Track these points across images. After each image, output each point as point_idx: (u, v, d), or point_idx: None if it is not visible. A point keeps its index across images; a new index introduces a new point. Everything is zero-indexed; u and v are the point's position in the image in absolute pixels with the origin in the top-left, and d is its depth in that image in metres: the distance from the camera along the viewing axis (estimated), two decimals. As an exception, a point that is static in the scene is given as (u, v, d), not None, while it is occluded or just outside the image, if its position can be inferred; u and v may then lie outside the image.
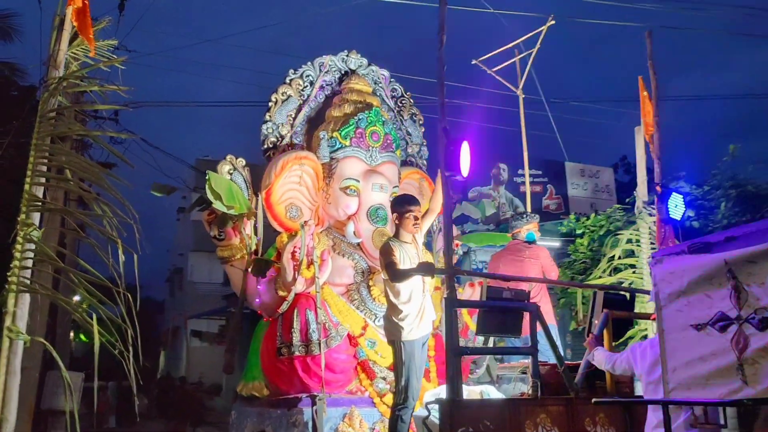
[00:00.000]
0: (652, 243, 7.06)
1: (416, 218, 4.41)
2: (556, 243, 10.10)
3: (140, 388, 3.74)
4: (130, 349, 3.47)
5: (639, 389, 4.66)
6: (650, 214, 7.13)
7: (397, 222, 4.52)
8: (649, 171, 7.39)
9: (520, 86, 9.11)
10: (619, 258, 7.45)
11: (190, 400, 15.90)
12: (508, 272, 5.04)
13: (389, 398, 5.32)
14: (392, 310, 4.33)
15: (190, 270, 26.29)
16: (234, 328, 5.80)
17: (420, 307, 4.35)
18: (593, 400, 3.28)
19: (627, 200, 9.44)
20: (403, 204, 4.53)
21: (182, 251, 27.53)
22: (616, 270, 7.47)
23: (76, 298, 4.43)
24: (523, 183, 12.12)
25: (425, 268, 4.17)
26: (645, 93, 6.81)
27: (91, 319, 3.59)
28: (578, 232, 9.57)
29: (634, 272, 7.15)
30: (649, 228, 7.17)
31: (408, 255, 4.37)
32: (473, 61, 8.96)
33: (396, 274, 4.15)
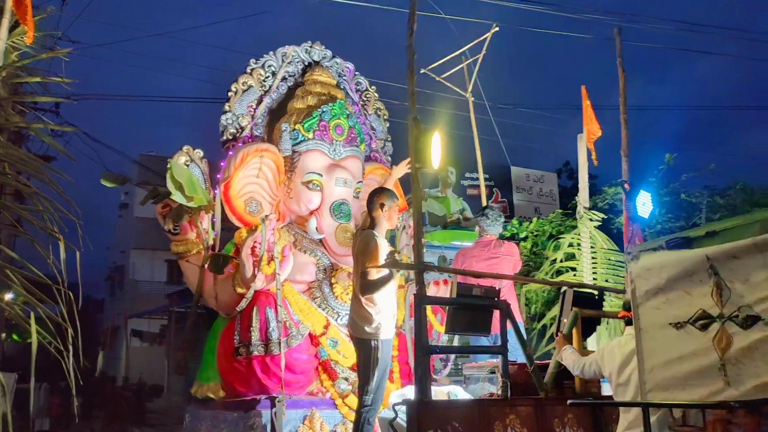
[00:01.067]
0: (592, 247, 7.25)
1: (399, 211, 4.24)
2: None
3: (77, 389, 3.54)
4: (70, 348, 3.26)
5: (607, 389, 4.57)
6: (591, 219, 7.41)
7: (374, 215, 4.26)
8: (591, 177, 7.65)
9: (469, 90, 9.16)
10: (561, 261, 7.60)
11: (124, 401, 15.36)
12: (483, 269, 4.88)
13: (351, 399, 5.12)
14: (367, 307, 4.08)
15: (131, 268, 25.60)
16: (189, 326, 5.50)
17: (393, 305, 4.17)
18: (569, 401, 3.14)
19: (569, 205, 9.63)
20: (391, 196, 4.30)
21: (124, 249, 26.76)
22: (558, 273, 7.65)
23: (9, 296, 4.12)
24: (470, 186, 12.30)
25: (394, 263, 3.98)
26: (588, 102, 6.96)
27: (28, 317, 3.33)
28: (522, 235, 9.70)
29: (574, 275, 7.27)
30: (590, 232, 7.38)
31: (386, 251, 4.18)
32: (422, 70, 8.93)
33: (374, 284, 3.98)
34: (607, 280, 7.17)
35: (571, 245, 7.70)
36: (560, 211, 10.40)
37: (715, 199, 10.50)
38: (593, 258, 7.49)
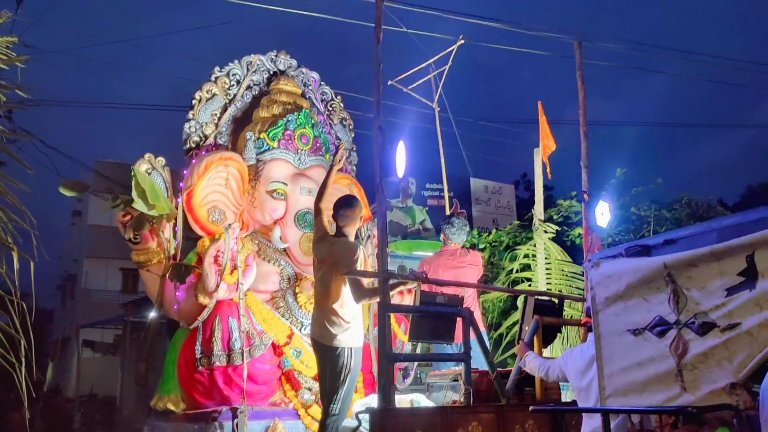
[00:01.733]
0: (546, 258, 7.39)
1: (361, 220, 4.21)
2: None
3: (22, 402, 3.49)
4: (23, 360, 3.16)
5: (567, 396, 4.61)
6: (545, 231, 7.62)
7: (342, 224, 4.20)
8: (547, 189, 7.87)
9: (435, 100, 9.28)
10: (517, 272, 7.74)
11: (66, 413, 14.86)
12: (448, 278, 4.88)
13: (314, 410, 5.05)
14: (340, 313, 4.01)
15: (84, 277, 24.87)
16: (150, 337, 5.35)
17: (361, 315, 4.14)
18: (531, 408, 3.15)
19: (525, 217, 9.82)
20: (357, 206, 4.24)
21: (76, 257, 26.00)
22: (514, 283, 7.82)
23: None
24: (431, 196, 12.44)
25: (360, 272, 3.94)
26: (543, 117, 7.12)
27: None
28: (480, 246, 9.82)
29: (530, 285, 7.40)
30: (545, 244, 7.57)
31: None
32: (390, 82, 9.00)
33: (368, 293, 3.94)
34: (560, 290, 7.31)
35: (526, 256, 7.89)
36: (517, 222, 10.59)
37: (662, 213, 10.80)
38: (547, 269, 7.64)
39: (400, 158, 3.86)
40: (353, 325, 4.06)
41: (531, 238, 8.25)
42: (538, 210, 7.94)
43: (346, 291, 4.04)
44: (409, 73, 9.11)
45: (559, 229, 9.14)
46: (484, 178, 13.82)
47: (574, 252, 9.17)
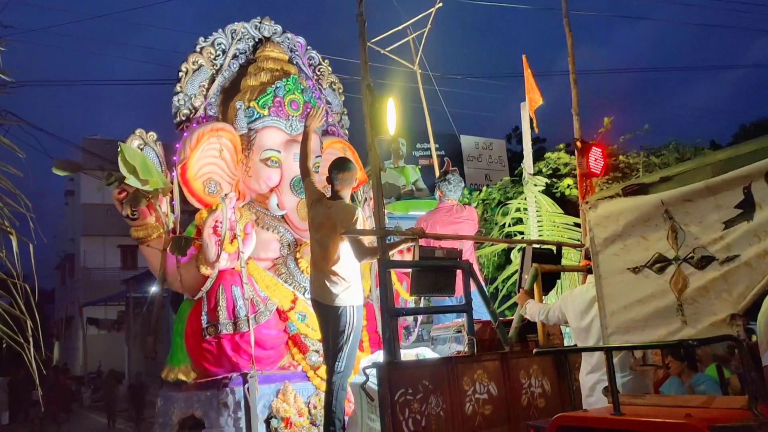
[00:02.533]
0: (537, 211, 7.41)
1: (357, 180, 4.18)
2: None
3: (34, 381, 3.58)
4: (30, 341, 3.19)
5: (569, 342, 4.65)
6: (535, 185, 7.65)
7: (338, 188, 4.18)
8: (539, 141, 7.87)
9: (416, 62, 9.13)
10: (509, 226, 7.74)
11: (65, 390, 15.03)
12: (445, 233, 4.85)
13: (323, 371, 5.05)
14: (337, 273, 4.00)
15: (82, 256, 24.81)
16: (156, 310, 5.34)
17: (359, 274, 4.13)
18: (534, 351, 3.16)
19: (516, 172, 9.79)
20: (352, 168, 4.21)
21: (72, 236, 25.90)
22: (507, 236, 7.85)
23: None
24: (422, 156, 12.35)
25: (359, 230, 3.92)
26: (529, 71, 7.06)
27: None
28: (473, 204, 9.82)
29: (522, 238, 7.39)
30: (535, 197, 7.60)
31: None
32: (368, 44, 8.89)
33: (369, 251, 3.91)
34: (553, 236, 7.33)
35: (518, 210, 7.90)
36: (507, 178, 10.56)
37: (650, 159, 10.77)
38: (539, 221, 7.66)
39: (391, 116, 3.78)
40: (354, 284, 4.07)
41: (522, 193, 8.24)
42: (528, 164, 7.98)
43: (345, 251, 4.03)
44: (386, 34, 8.98)
45: (549, 181, 9.15)
46: (476, 135, 13.68)
47: (564, 203, 9.19)
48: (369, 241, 4.07)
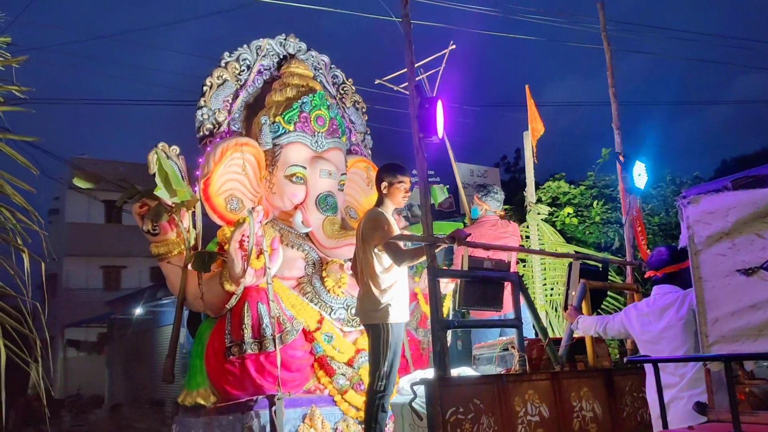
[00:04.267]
0: (540, 239, 7.18)
1: (406, 190, 3.86)
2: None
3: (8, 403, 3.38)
4: (39, 360, 3.04)
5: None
6: (538, 213, 7.44)
7: (384, 192, 3.91)
8: (540, 173, 7.71)
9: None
10: None
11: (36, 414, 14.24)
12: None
13: (350, 395, 4.69)
14: (375, 289, 3.69)
15: (65, 276, 24.01)
16: (174, 331, 4.91)
17: (404, 289, 3.78)
18: (626, 359, 2.80)
19: (514, 199, 9.57)
20: (393, 172, 3.92)
21: (55, 256, 25.17)
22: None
23: None
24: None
25: (405, 236, 3.60)
26: (531, 100, 6.93)
27: None
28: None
29: (524, 266, 7.15)
30: (537, 225, 7.37)
31: (396, 226, 3.77)
32: (377, 81, 8.74)
33: (409, 254, 3.57)
34: (555, 269, 7.09)
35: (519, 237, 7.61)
36: (507, 206, 10.37)
37: (647, 191, 10.62)
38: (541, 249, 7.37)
39: (439, 118, 3.50)
40: (389, 299, 3.74)
41: (522, 221, 8.04)
42: (530, 192, 7.77)
43: (376, 264, 3.75)
44: (398, 73, 8.85)
45: (551, 210, 8.91)
46: (468, 162, 13.40)
47: (564, 233, 8.96)
48: (403, 244, 3.74)
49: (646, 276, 3.25)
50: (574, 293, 3.85)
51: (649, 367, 3.15)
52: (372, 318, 3.75)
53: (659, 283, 3.17)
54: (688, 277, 2.47)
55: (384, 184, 3.92)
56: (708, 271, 2.31)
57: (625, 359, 2.89)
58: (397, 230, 3.74)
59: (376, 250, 3.68)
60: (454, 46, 8.54)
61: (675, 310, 3.01)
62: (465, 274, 3.50)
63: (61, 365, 20.50)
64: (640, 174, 4.45)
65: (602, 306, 4.04)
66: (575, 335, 3.83)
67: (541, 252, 5.85)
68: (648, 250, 4.36)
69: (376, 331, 3.70)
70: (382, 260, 3.70)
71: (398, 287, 3.78)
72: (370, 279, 3.76)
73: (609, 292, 5.00)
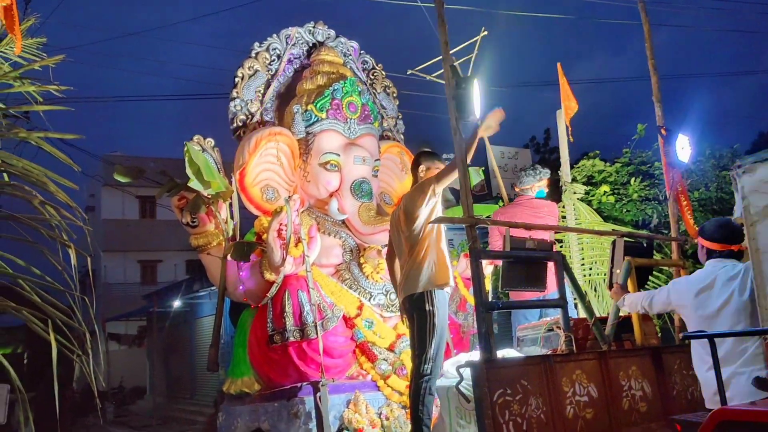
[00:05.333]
0: (576, 219, 7.06)
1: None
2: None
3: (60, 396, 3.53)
4: (90, 353, 3.22)
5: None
6: (574, 192, 7.33)
7: (421, 176, 3.95)
8: (553, 150, 7.56)
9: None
10: None
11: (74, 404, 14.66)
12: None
13: (393, 380, 4.71)
14: (417, 259, 3.69)
15: (103, 271, 24.67)
16: (217, 321, 5.00)
17: (445, 254, 3.76)
18: (682, 335, 2.75)
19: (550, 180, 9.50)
20: (431, 157, 4.00)
21: (93, 252, 25.94)
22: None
23: None
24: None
25: (444, 219, 3.60)
26: (564, 78, 6.77)
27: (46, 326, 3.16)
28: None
29: (561, 246, 7.05)
30: (574, 204, 7.26)
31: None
32: (409, 72, 8.68)
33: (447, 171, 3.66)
34: (593, 249, 6.97)
35: (557, 218, 7.52)
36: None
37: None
38: (578, 229, 7.27)
39: (476, 98, 3.46)
40: (430, 265, 3.70)
41: (557, 201, 7.94)
42: (565, 171, 7.65)
43: (419, 234, 3.73)
44: (432, 62, 8.77)
45: (588, 189, 8.76)
46: (498, 144, 13.26)
47: (599, 212, 8.81)
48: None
49: (708, 247, 3.12)
50: (618, 271, 3.79)
51: (698, 344, 3.08)
52: (416, 287, 3.67)
53: (716, 257, 3.06)
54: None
55: (422, 167, 3.93)
56: (766, 243, 2.25)
57: (681, 335, 2.83)
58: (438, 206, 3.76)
59: (437, 190, 3.73)
60: (486, 33, 8.44)
61: (735, 285, 2.92)
62: (507, 254, 3.46)
63: (104, 358, 21.19)
64: (684, 147, 4.33)
65: (647, 284, 3.95)
66: (621, 313, 3.77)
67: (586, 230, 5.74)
68: (694, 226, 4.25)
69: (422, 309, 3.64)
70: (424, 231, 3.70)
71: (440, 253, 3.75)
72: (413, 252, 3.72)
73: (654, 270, 4.90)
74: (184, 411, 15.13)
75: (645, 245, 4.06)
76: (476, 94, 3.44)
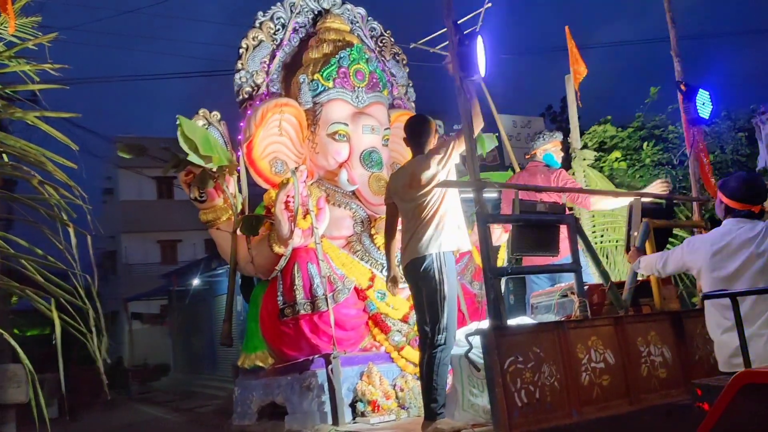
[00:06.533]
0: (587, 185, 6.95)
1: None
2: (495, 194, 9.90)
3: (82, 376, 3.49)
4: (93, 330, 3.08)
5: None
6: (584, 159, 7.25)
7: (419, 142, 3.84)
8: (579, 118, 7.41)
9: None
10: None
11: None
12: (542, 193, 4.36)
13: (407, 351, 4.64)
14: (424, 220, 3.56)
15: (124, 252, 24.93)
16: (229, 295, 4.99)
17: (458, 215, 3.65)
18: (702, 294, 2.64)
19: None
20: (430, 124, 3.90)
21: (113, 234, 26.24)
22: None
23: None
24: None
25: (448, 182, 3.49)
26: (572, 42, 6.61)
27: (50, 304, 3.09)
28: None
29: (572, 212, 6.88)
30: (584, 171, 7.17)
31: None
32: (412, 45, 8.50)
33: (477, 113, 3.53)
34: (604, 215, 6.82)
35: (567, 184, 7.37)
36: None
37: (701, 127, 10.12)
38: (590, 196, 7.13)
39: (481, 55, 3.32)
40: (438, 228, 3.57)
41: (567, 168, 7.77)
42: (574, 137, 7.49)
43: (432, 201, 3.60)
44: (436, 34, 8.58)
45: (597, 155, 8.59)
46: (511, 113, 13.03)
47: (611, 179, 8.65)
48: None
49: (727, 204, 2.98)
50: (636, 234, 3.66)
51: (713, 306, 2.95)
52: (422, 250, 3.53)
53: (736, 215, 2.93)
54: None
55: (427, 143, 3.79)
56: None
57: (700, 295, 2.71)
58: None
59: (458, 151, 3.61)
60: (489, 5, 8.23)
61: (756, 245, 2.79)
62: (518, 218, 3.35)
63: (127, 337, 21.66)
64: (704, 103, 4.14)
65: (667, 247, 3.81)
66: (639, 278, 3.65)
67: (602, 191, 5.58)
68: (715, 186, 4.09)
69: (430, 262, 3.50)
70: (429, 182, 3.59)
71: (449, 214, 3.63)
72: (421, 214, 3.59)
73: (674, 232, 4.75)
74: (206, 386, 15.38)
75: (664, 206, 3.92)
76: (480, 50, 3.30)
